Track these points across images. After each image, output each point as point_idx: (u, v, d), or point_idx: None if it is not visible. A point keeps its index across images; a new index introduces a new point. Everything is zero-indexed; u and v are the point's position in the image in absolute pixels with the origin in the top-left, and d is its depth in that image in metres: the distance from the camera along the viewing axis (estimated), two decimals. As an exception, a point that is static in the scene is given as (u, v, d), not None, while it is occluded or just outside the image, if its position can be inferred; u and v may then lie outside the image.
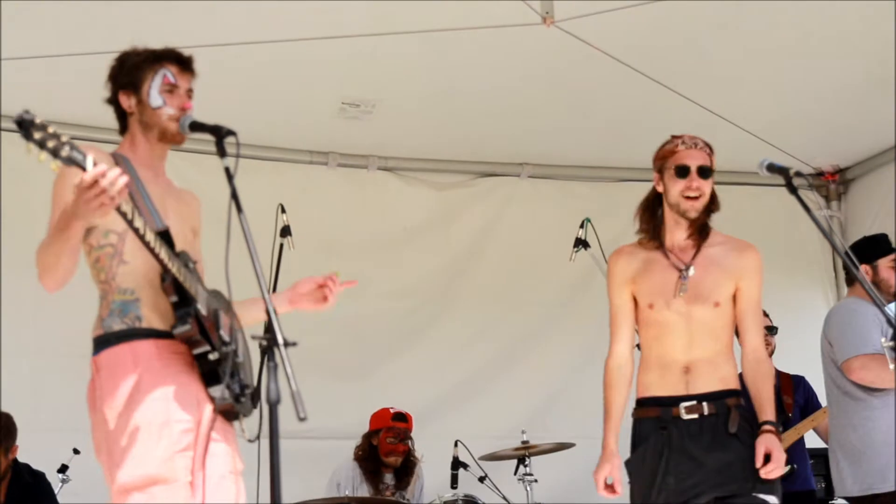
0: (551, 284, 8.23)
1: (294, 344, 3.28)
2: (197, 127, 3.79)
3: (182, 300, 3.60)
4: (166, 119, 3.82)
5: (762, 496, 4.37)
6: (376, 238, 8.10)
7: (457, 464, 6.69)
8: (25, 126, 3.05)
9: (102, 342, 3.66)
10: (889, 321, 4.03)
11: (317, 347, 6.65)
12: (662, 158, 4.58)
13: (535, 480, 6.67)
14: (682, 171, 4.47)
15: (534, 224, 8.35)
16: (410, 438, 7.20)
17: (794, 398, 7.02)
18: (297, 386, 3.15)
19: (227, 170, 3.51)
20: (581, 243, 6.75)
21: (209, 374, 3.65)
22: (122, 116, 3.92)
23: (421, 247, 8.19)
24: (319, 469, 7.08)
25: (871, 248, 5.80)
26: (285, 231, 6.20)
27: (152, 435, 3.52)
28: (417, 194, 8.26)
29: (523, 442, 6.69)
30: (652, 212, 4.62)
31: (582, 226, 6.76)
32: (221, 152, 3.58)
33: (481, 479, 6.64)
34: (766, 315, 6.96)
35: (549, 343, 8.24)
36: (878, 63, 7.00)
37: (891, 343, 4.11)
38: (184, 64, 3.90)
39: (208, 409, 3.64)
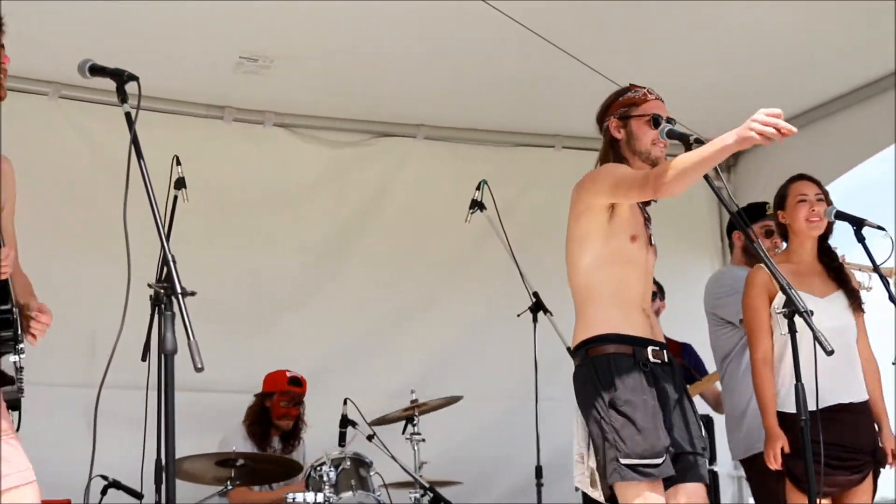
0: (446, 245, 8.26)
1: (192, 293, 3.24)
2: (97, 71, 3.69)
3: None
4: None
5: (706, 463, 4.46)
6: (271, 194, 8.05)
7: (345, 422, 6.69)
8: None
9: None
10: (783, 287, 4.10)
11: (210, 300, 6.59)
12: (630, 105, 4.53)
13: (423, 440, 6.72)
14: (657, 121, 4.45)
15: (429, 185, 8.37)
16: (303, 403, 7.19)
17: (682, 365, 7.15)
18: (195, 337, 3.12)
19: (127, 115, 3.45)
20: (477, 205, 6.78)
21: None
22: None
23: (316, 204, 8.15)
24: (208, 423, 7.05)
25: (745, 215, 5.93)
26: (180, 183, 6.11)
27: None
28: (313, 152, 8.21)
29: (412, 401, 6.72)
30: (616, 158, 4.52)
31: (478, 188, 6.79)
32: (122, 98, 3.52)
33: (369, 438, 6.64)
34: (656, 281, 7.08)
35: (444, 303, 8.28)
36: (774, 34, 7.12)
37: (783, 310, 4.18)
38: None
39: None
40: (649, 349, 4.34)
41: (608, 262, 4.39)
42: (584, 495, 7.26)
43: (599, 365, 4.30)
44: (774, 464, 4.97)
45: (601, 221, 4.38)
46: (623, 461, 4.15)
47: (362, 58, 7.33)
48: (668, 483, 4.27)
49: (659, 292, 7.10)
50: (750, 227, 5.95)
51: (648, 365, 4.30)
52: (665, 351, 4.41)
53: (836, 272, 5.27)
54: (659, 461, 4.16)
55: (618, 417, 4.20)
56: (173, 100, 7.71)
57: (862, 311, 5.25)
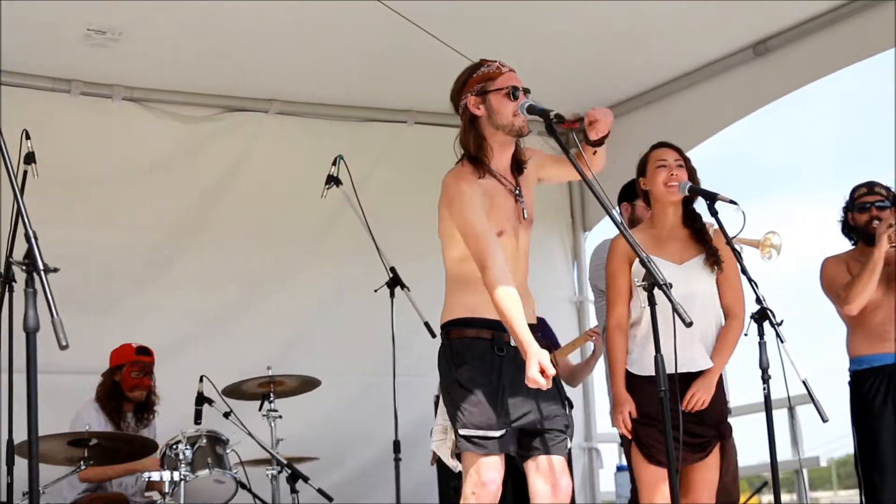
0: (302, 221, 8.23)
1: (56, 270, 3.18)
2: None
3: None
4: None
5: (568, 439, 4.50)
6: (122, 170, 7.90)
7: (201, 399, 6.62)
8: None
9: None
10: (642, 260, 4.16)
11: (60, 278, 6.44)
12: (486, 80, 4.49)
13: (280, 416, 6.69)
14: (515, 94, 4.44)
15: (282, 160, 8.32)
16: (153, 374, 7.09)
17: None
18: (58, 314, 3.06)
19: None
20: (333, 180, 6.75)
21: None
22: None
23: (168, 180, 8.03)
24: (58, 405, 6.88)
25: (630, 188, 6.06)
26: (30, 157, 5.96)
27: None
28: (164, 127, 8.08)
29: (269, 377, 6.69)
30: (478, 136, 4.49)
31: (335, 163, 6.76)
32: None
33: (226, 415, 6.59)
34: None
35: (300, 279, 8.25)
36: (625, 11, 7.24)
37: (643, 283, 4.24)
38: None
39: None
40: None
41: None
42: (439, 469, 7.35)
43: (456, 347, 4.43)
44: (623, 429, 5.03)
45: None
46: (461, 432, 4.31)
47: (213, 31, 7.25)
48: (528, 456, 4.40)
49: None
50: (632, 201, 6.12)
51: (505, 349, 4.39)
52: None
53: (698, 233, 5.30)
54: (494, 434, 4.28)
55: (460, 392, 4.35)
56: (18, 72, 7.51)
57: (720, 269, 5.32)
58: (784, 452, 5.49)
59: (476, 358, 4.38)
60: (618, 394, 5.06)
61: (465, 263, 4.43)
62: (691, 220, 5.32)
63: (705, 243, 5.24)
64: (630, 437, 5.05)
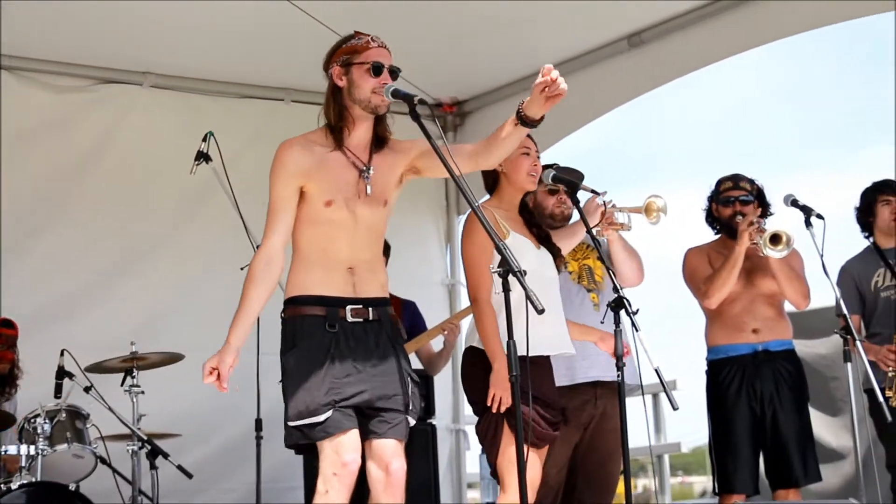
0: (170, 196, 8.13)
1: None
2: None
3: None
4: None
5: (409, 418, 4.51)
6: (-11, 138, 7.74)
7: (61, 373, 6.55)
8: None
9: None
10: (498, 248, 4.18)
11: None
12: (351, 52, 4.50)
13: (142, 392, 6.64)
14: (377, 70, 4.45)
15: (155, 134, 8.20)
16: (17, 347, 6.98)
17: (402, 322, 7.23)
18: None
19: None
20: (203, 157, 6.70)
21: None
22: None
23: (36, 151, 7.85)
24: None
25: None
26: None
27: None
28: (35, 96, 7.91)
29: (132, 353, 6.64)
30: (339, 106, 4.51)
31: (205, 139, 6.71)
32: None
33: (87, 390, 6.52)
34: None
35: (167, 255, 8.14)
36: (505, 1, 7.28)
37: (498, 269, 4.28)
38: None
39: None
40: (348, 308, 4.43)
41: (308, 225, 4.48)
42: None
43: (288, 328, 4.46)
44: (501, 405, 5.03)
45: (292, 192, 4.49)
46: (290, 424, 4.36)
47: (88, 2, 7.12)
48: (364, 438, 4.42)
49: (383, 249, 7.17)
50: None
51: (337, 325, 4.39)
52: (371, 308, 4.47)
53: (537, 228, 5.39)
54: (318, 419, 4.31)
55: (285, 382, 4.42)
56: None
57: (564, 265, 5.48)
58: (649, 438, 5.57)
59: (306, 337, 4.38)
60: (500, 370, 5.00)
61: (300, 234, 4.50)
62: (528, 213, 5.45)
63: (545, 239, 5.36)
64: (502, 414, 5.06)
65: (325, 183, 4.44)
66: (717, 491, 6.31)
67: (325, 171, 4.45)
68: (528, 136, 5.41)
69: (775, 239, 6.09)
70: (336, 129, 4.51)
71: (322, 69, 4.61)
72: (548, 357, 5.25)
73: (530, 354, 4.72)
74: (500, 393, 4.99)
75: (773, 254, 6.09)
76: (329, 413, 4.30)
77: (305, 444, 4.42)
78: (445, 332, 7.03)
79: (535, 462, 5.08)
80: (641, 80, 8.19)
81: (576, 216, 5.71)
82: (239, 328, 4.42)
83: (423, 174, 4.73)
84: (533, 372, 4.88)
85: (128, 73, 8.21)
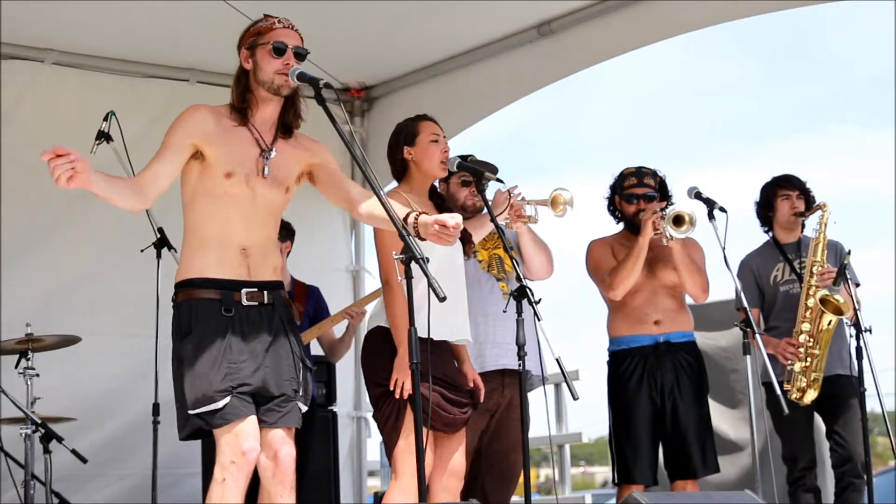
0: (70, 176, 7.95)
1: None
2: None
3: None
4: None
5: (300, 404, 4.49)
6: None
7: (-47, 356, 6.43)
8: None
9: None
10: (401, 234, 4.17)
11: None
12: (257, 34, 4.50)
13: (37, 375, 6.52)
14: (279, 50, 4.42)
15: (55, 113, 8.01)
16: None
17: (305, 307, 7.19)
18: None
19: None
20: (104, 136, 6.60)
21: None
22: None
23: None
24: None
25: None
26: None
27: None
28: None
29: (27, 335, 6.51)
30: (243, 88, 4.49)
31: (106, 119, 6.61)
32: None
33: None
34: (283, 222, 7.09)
35: (66, 235, 7.94)
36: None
37: (400, 256, 4.26)
38: None
39: None
40: (244, 291, 4.38)
41: (204, 199, 4.41)
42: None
43: (182, 311, 4.38)
44: (403, 392, 5.02)
45: (192, 161, 4.42)
46: (190, 412, 4.28)
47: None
48: (261, 424, 4.37)
49: (285, 233, 7.11)
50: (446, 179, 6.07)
51: (233, 309, 4.34)
52: (266, 292, 4.43)
53: (440, 208, 5.40)
54: (216, 406, 4.25)
55: (183, 369, 4.31)
56: None
57: (472, 253, 5.51)
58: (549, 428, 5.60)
59: (201, 322, 4.31)
60: (403, 354, 5.02)
61: (194, 209, 4.44)
62: (439, 199, 5.50)
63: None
64: (406, 399, 5.03)
65: (227, 155, 4.41)
66: (616, 481, 6.34)
67: (227, 142, 4.42)
68: (437, 122, 5.43)
69: (678, 220, 6.13)
70: (239, 109, 4.50)
71: (237, 52, 4.60)
72: (447, 342, 5.28)
73: (435, 339, 4.79)
74: (403, 378, 5.00)
75: (677, 234, 6.12)
76: (227, 399, 4.26)
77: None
78: (350, 318, 7.00)
79: (428, 450, 5.05)
80: (551, 69, 8.20)
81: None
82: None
83: (316, 185, 4.72)
84: (435, 357, 4.93)
85: (29, 50, 8.01)
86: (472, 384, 5.40)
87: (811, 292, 6.50)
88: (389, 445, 5.22)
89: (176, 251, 6.50)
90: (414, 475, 4.51)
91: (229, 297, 4.36)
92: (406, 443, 5.08)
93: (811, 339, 6.46)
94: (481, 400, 5.43)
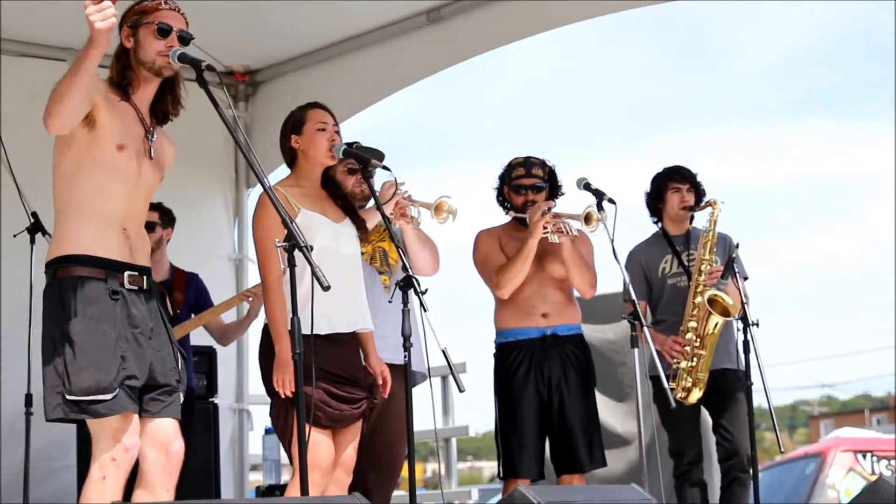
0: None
1: None
2: None
3: None
4: None
5: (180, 396, 4.37)
6: None
7: None
8: None
9: None
10: (284, 222, 4.12)
11: None
12: (142, 13, 4.36)
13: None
14: (164, 32, 4.30)
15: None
16: None
17: (186, 295, 7.03)
18: None
19: None
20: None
21: None
22: None
23: None
24: None
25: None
26: None
27: None
28: None
29: None
30: (123, 65, 4.35)
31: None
32: None
33: None
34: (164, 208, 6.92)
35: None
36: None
37: (283, 244, 4.16)
38: None
39: None
40: (126, 274, 4.22)
41: (87, 169, 4.21)
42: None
43: (66, 288, 4.13)
44: (286, 390, 4.90)
45: (80, 126, 4.17)
46: (69, 398, 4.05)
47: None
48: (143, 414, 4.23)
49: (167, 219, 6.94)
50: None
51: (119, 292, 4.18)
52: (146, 277, 4.29)
53: (343, 201, 5.36)
54: (106, 397, 4.06)
55: (69, 351, 4.06)
56: None
57: (367, 239, 5.44)
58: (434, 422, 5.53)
59: (90, 304, 4.11)
60: (282, 352, 4.94)
61: (76, 179, 4.21)
62: (333, 186, 5.40)
63: (352, 211, 5.31)
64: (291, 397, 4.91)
65: (119, 127, 4.26)
66: (501, 475, 6.27)
67: (118, 114, 4.28)
68: (326, 109, 5.35)
69: (588, 219, 6.05)
70: (119, 85, 4.34)
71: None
72: (351, 334, 5.19)
73: (328, 332, 4.83)
74: (283, 377, 4.92)
75: (587, 230, 6.07)
76: (117, 392, 4.08)
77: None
78: (250, 300, 6.83)
79: (325, 443, 4.98)
80: (440, 56, 8.17)
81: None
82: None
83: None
84: (332, 350, 4.93)
85: None
86: (380, 378, 5.29)
87: (699, 290, 6.48)
88: (284, 443, 5.14)
89: (51, 237, 6.28)
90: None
91: (114, 278, 4.18)
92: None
93: (697, 339, 6.44)
94: (385, 394, 5.33)
